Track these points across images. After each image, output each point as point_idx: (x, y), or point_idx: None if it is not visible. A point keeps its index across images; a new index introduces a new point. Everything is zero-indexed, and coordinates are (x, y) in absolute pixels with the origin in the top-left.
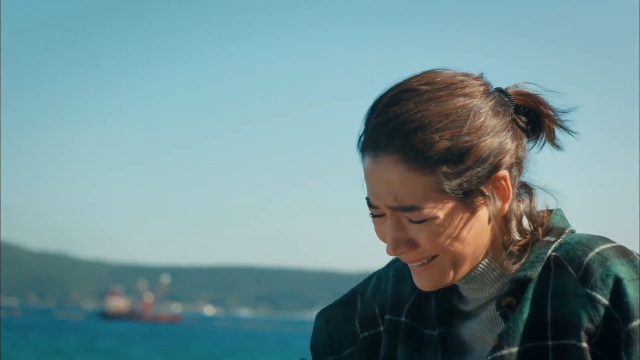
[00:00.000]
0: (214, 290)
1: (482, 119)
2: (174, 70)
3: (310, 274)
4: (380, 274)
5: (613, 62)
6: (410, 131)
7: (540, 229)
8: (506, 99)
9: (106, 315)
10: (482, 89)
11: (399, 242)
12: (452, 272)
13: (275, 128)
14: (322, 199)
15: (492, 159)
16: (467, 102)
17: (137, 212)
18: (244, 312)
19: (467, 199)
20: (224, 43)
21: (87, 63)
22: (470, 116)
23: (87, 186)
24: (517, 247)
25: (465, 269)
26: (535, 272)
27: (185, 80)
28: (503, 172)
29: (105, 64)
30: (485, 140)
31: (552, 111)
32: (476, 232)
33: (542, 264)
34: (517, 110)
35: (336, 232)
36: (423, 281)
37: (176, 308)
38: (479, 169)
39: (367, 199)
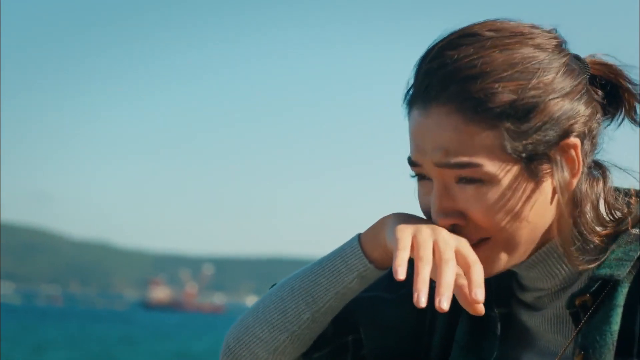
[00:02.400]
0: (256, 280)
1: (552, 75)
2: (207, 56)
3: None
4: None
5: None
6: (468, 78)
7: (628, 219)
8: (581, 65)
9: (148, 305)
10: (554, 42)
11: (446, 211)
12: (504, 257)
13: (321, 116)
14: (367, 189)
15: (562, 122)
16: (537, 54)
17: (180, 202)
18: None
19: (532, 165)
20: (249, 33)
21: (122, 52)
22: (540, 69)
23: (128, 175)
24: (599, 239)
25: (519, 254)
26: (622, 273)
27: (218, 66)
28: (574, 140)
29: (135, 51)
30: (556, 99)
31: (632, 85)
32: (538, 208)
33: (632, 263)
34: (593, 81)
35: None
36: (487, 267)
37: (219, 298)
38: (547, 131)
39: (409, 158)
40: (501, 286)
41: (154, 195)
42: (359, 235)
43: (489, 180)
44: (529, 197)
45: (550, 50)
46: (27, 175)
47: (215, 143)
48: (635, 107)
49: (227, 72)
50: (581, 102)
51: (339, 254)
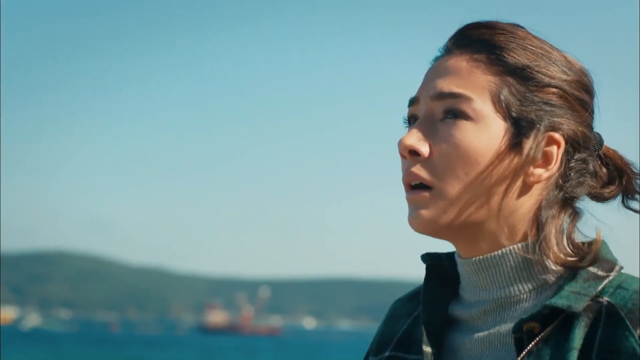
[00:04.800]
0: (313, 302)
1: (564, 76)
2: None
3: (409, 284)
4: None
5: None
6: (495, 33)
7: (587, 256)
8: (598, 136)
9: (205, 329)
10: (578, 67)
11: (417, 139)
12: (445, 210)
13: (373, 134)
14: None
15: (556, 114)
16: (559, 57)
17: (235, 225)
18: (344, 324)
19: (516, 131)
20: (300, 44)
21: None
22: (556, 64)
23: (184, 199)
24: (557, 264)
25: (453, 217)
26: (580, 306)
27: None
28: (559, 137)
29: (177, 62)
30: (559, 92)
31: (634, 175)
32: (499, 180)
33: (589, 299)
34: (601, 160)
35: (437, 241)
36: (415, 214)
37: (276, 321)
38: (541, 111)
39: (410, 98)
40: (433, 323)
41: (209, 220)
42: None
43: (474, 118)
44: (498, 160)
45: (572, 66)
46: (83, 202)
47: (265, 163)
48: (629, 194)
49: (273, 87)
50: (576, 121)
51: None
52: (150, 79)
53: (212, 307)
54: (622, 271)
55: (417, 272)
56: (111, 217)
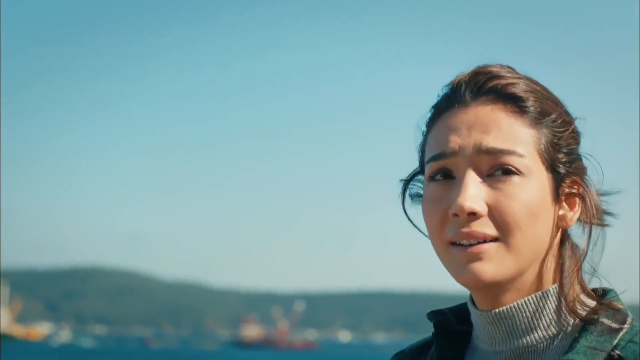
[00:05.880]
0: (348, 315)
1: (569, 116)
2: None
3: (443, 296)
4: None
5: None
6: (514, 84)
7: (602, 306)
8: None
9: (241, 343)
10: (561, 101)
11: (475, 199)
12: (508, 263)
13: (404, 144)
14: None
15: (577, 158)
16: (557, 97)
17: (268, 239)
18: (379, 337)
19: (556, 180)
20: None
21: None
22: (564, 106)
23: (215, 213)
24: (573, 312)
25: (518, 267)
26: None
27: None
28: (578, 179)
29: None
30: (572, 133)
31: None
32: (545, 227)
33: (605, 355)
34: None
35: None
36: (480, 267)
37: (311, 334)
38: (572, 156)
39: (438, 152)
40: None
41: (241, 233)
42: None
43: (526, 174)
44: (547, 210)
45: (563, 104)
46: (117, 217)
47: (296, 175)
48: (587, 212)
49: (304, 96)
50: (580, 157)
51: None
52: (168, 90)
53: (248, 321)
54: (634, 322)
55: (451, 285)
56: (145, 233)
